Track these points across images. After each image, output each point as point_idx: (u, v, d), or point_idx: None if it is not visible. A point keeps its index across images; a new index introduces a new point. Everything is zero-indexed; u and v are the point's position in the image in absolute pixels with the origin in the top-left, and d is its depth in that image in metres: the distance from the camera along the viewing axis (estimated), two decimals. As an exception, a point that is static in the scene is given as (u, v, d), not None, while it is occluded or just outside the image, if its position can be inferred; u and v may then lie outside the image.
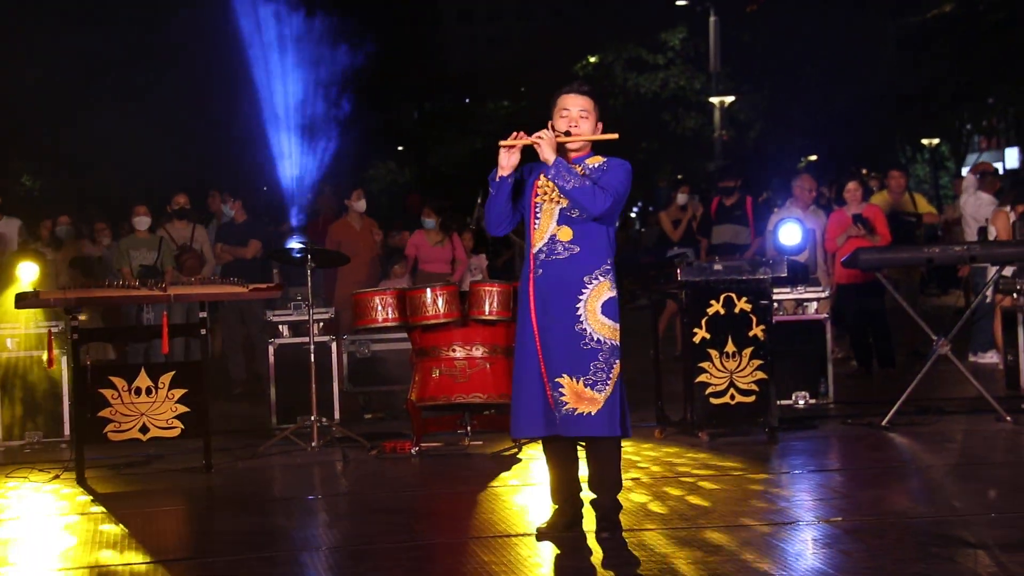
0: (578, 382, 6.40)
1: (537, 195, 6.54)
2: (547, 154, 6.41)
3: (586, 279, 6.46)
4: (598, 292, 6.46)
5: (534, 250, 6.52)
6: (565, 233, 6.48)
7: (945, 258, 10.75)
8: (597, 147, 6.65)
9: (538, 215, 6.54)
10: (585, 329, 6.42)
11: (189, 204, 14.00)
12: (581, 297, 6.44)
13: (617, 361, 6.46)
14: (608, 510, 6.47)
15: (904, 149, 41.13)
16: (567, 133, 6.52)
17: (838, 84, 28.79)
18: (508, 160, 6.47)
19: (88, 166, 24.55)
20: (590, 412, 6.38)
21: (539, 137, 6.42)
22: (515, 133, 6.51)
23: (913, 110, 33.97)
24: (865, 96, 29.31)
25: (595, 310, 6.45)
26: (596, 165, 6.54)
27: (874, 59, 28.09)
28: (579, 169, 6.49)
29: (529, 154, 6.53)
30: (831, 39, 27.65)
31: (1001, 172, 27.07)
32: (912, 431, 9.76)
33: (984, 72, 31.02)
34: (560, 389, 6.41)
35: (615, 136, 6.58)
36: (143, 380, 9.29)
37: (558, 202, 6.50)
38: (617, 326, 6.50)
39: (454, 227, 14.55)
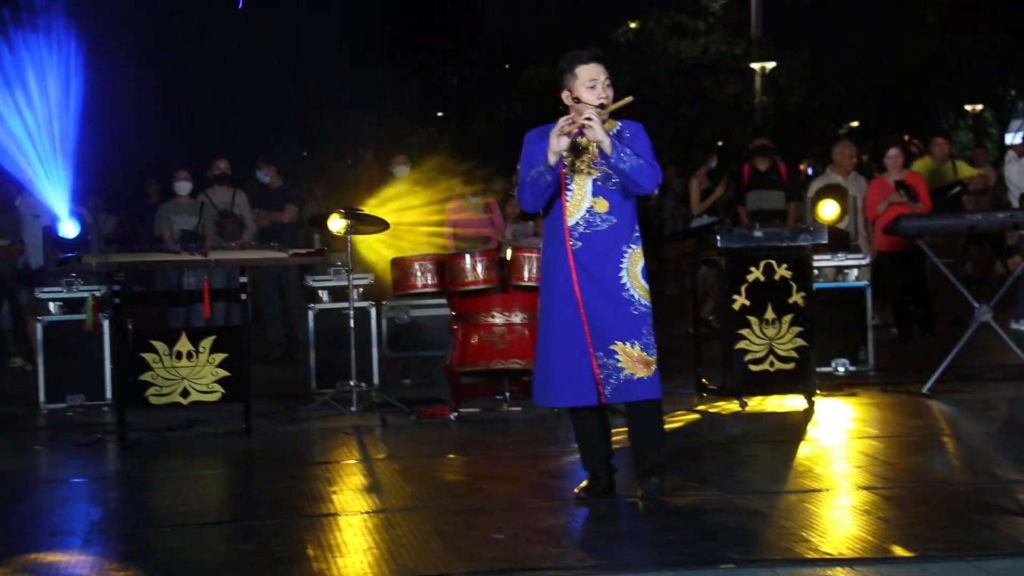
0: (634, 347, 6.48)
1: (564, 166, 6.52)
2: (601, 135, 6.38)
3: (624, 247, 6.52)
4: (636, 258, 6.55)
5: (570, 222, 6.53)
6: (602, 204, 6.51)
7: (988, 224, 10.67)
8: (622, 112, 6.64)
9: (569, 187, 6.54)
10: (632, 296, 6.50)
11: (230, 169, 14.03)
12: (623, 265, 6.51)
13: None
14: (653, 466, 6.60)
15: (947, 115, 40.80)
16: (602, 106, 6.49)
17: (880, 49, 28.57)
18: (560, 145, 6.43)
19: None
20: (647, 376, 6.48)
21: (589, 119, 6.38)
22: (568, 118, 6.44)
23: (956, 76, 33.68)
24: (907, 62, 29.07)
25: (637, 275, 6.54)
26: (616, 130, 6.55)
27: (917, 24, 27.85)
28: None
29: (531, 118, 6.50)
30: (873, 3, 27.44)
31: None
32: (953, 398, 9.72)
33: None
34: (615, 356, 6.46)
35: (631, 99, 6.54)
36: (184, 344, 9.35)
37: (589, 173, 6.51)
38: (649, 290, 6.55)
39: (492, 194, 14.54)
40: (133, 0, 19.64)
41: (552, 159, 6.42)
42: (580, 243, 6.52)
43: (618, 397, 6.52)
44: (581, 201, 6.54)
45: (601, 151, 6.43)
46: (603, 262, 6.51)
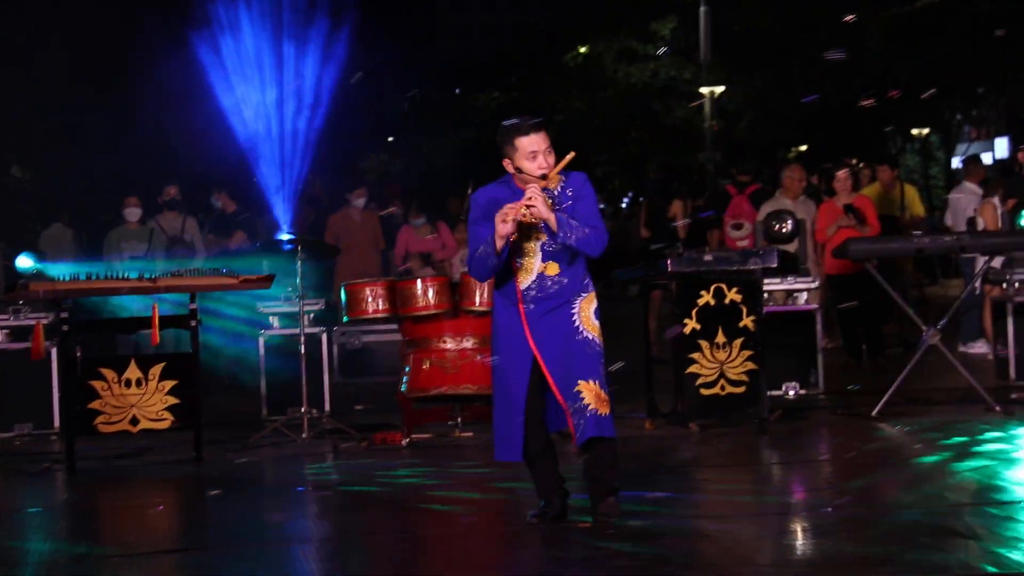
0: (595, 384, 6.53)
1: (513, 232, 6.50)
2: (546, 214, 6.41)
3: (575, 299, 6.58)
4: (587, 302, 6.66)
5: (522, 286, 6.58)
6: (552, 268, 6.59)
7: (935, 248, 10.76)
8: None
9: (519, 260, 6.57)
10: (587, 336, 6.58)
11: (180, 195, 13.97)
12: (574, 311, 6.59)
13: None
14: (607, 489, 6.62)
15: (894, 139, 41.13)
16: (544, 176, 6.47)
17: (827, 75, 28.76)
18: (506, 230, 6.40)
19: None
20: (607, 413, 6.53)
21: (530, 201, 6.38)
22: (508, 208, 6.39)
23: (903, 100, 33.94)
24: (855, 86, 29.28)
25: (589, 317, 6.64)
26: (560, 187, 6.58)
27: (864, 49, 28.06)
28: (549, 202, 6.48)
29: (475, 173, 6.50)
30: (820, 29, 27.61)
31: (991, 162, 27.11)
32: (902, 421, 9.77)
33: (974, 62, 31.02)
34: (580, 396, 6.50)
35: (573, 155, 6.54)
36: (133, 372, 9.29)
37: (537, 238, 6.53)
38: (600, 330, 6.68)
39: (440, 218, 14.74)
40: (85, 20, 19.55)
41: (499, 244, 6.42)
42: (533, 305, 6.58)
43: (591, 433, 6.53)
44: (532, 267, 6.58)
45: (547, 228, 6.45)
46: (555, 317, 6.57)
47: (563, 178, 6.61)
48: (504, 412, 6.63)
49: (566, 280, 6.57)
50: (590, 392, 6.51)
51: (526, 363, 6.53)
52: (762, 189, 14.81)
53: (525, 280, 6.57)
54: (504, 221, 6.37)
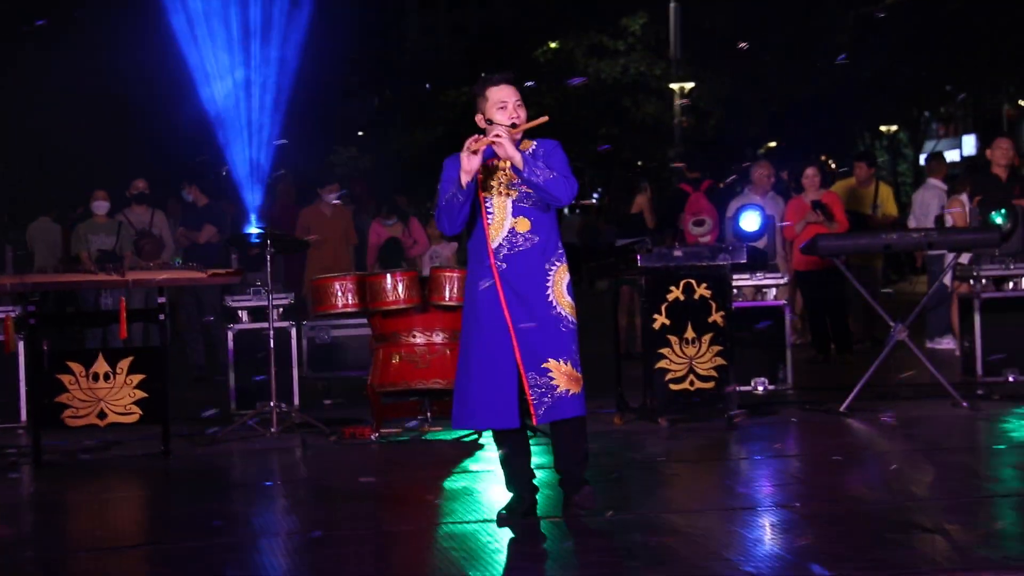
0: (566, 363, 6.52)
1: (483, 189, 6.55)
2: (511, 151, 6.44)
3: (547, 266, 6.58)
4: (560, 275, 6.62)
5: (493, 244, 6.57)
6: (523, 224, 6.57)
7: (903, 244, 10.82)
8: (536, 131, 6.69)
9: (490, 210, 6.59)
10: (560, 313, 6.56)
11: (148, 189, 13.92)
12: (548, 283, 6.57)
13: None
14: (579, 481, 6.60)
15: (863, 136, 41.29)
16: (513, 125, 6.53)
17: (797, 71, 28.89)
18: (471, 164, 6.45)
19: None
20: (577, 392, 6.53)
21: (498, 136, 6.42)
22: (475, 137, 6.51)
23: (871, 98, 34.08)
24: (824, 84, 29.39)
25: (562, 292, 6.60)
26: (531, 149, 6.59)
27: (833, 47, 28.18)
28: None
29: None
30: (789, 26, 27.72)
31: (959, 159, 27.27)
32: (870, 417, 9.81)
33: (941, 60, 31.17)
34: (549, 374, 6.49)
35: (546, 119, 6.62)
36: (101, 365, 9.24)
37: (508, 194, 6.55)
38: (574, 305, 6.63)
39: (410, 213, 14.84)
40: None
41: (464, 179, 6.45)
42: (505, 264, 6.55)
43: (550, 416, 6.53)
44: (503, 222, 6.58)
45: (515, 168, 6.46)
46: (529, 281, 6.55)
47: (535, 142, 6.64)
48: (464, 377, 6.61)
49: (537, 238, 6.55)
50: (560, 372, 6.50)
51: (498, 329, 6.52)
52: (715, 185, 14.84)
53: (496, 237, 6.56)
54: (469, 155, 6.41)
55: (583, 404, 6.57)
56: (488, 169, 6.59)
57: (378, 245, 14.16)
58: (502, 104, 6.57)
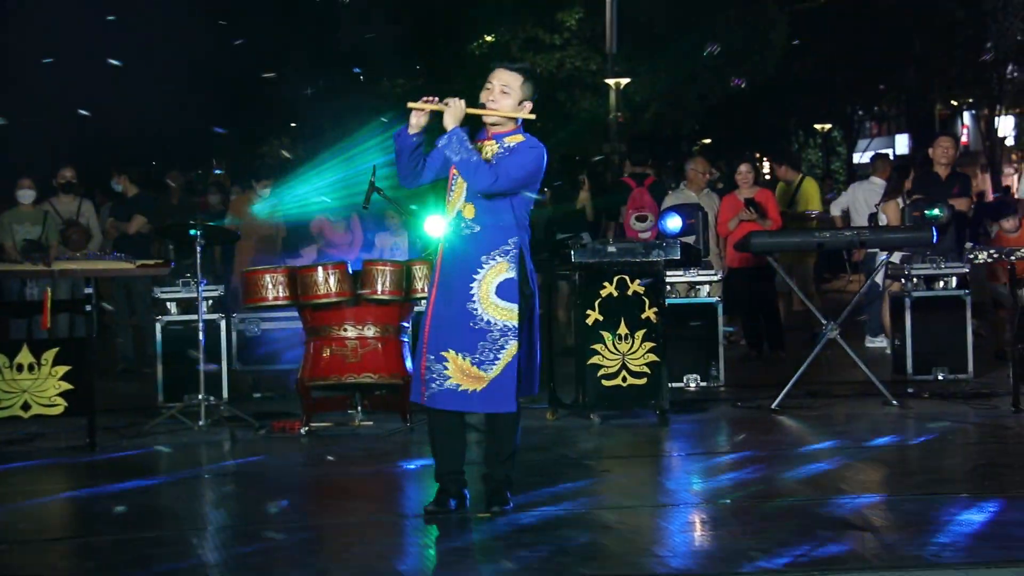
0: (465, 359, 6.47)
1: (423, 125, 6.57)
2: (447, 122, 6.46)
3: (483, 259, 6.51)
4: (495, 273, 6.50)
5: (447, 220, 6.63)
6: (469, 210, 6.55)
7: (836, 243, 10.86)
8: (527, 127, 6.65)
9: (452, 189, 6.59)
10: (476, 310, 6.49)
11: (76, 178, 13.73)
12: (476, 277, 6.50)
13: (511, 342, 6.47)
14: (500, 483, 6.62)
15: (797, 134, 41.59)
16: (482, 106, 6.52)
17: (731, 68, 28.99)
18: (415, 120, 6.48)
19: None
20: (476, 389, 6.48)
21: (446, 104, 6.41)
22: (427, 97, 6.47)
23: (806, 96, 34.34)
24: (758, 81, 29.55)
25: (488, 292, 6.49)
26: (512, 144, 6.55)
27: (767, 45, 28.32)
28: (492, 145, 6.52)
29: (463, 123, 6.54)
30: (724, 24, 27.80)
31: (892, 158, 27.47)
32: (801, 414, 9.85)
33: (875, 59, 31.45)
34: (444, 363, 6.47)
35: (532, 116, 6.59)
36: (25, 356, 9.11)
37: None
38: (514, 307, 6.51)
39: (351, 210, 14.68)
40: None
41: (410, 130, 6.47)
42: (447, 244, 6.59)
43: (434, 402, 6.53)
44: (456, 203, 6.59)
45: (439, 139, 6.50)
46: (458, 269, 6.53)
47: (524, 139, 6.59)
48: (418, 356, 6.66)
49: (477, 228, 6.51)
50: (456, 366, 6.48)
51: (427, 312, 6.63)
52: (659, 181, 14.85)
53: (449, 215, 6.61)
54: (417, 111, 6.44)
55: (489, 402, 6.51)
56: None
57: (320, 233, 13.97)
58: (488, 84, 6.61)
